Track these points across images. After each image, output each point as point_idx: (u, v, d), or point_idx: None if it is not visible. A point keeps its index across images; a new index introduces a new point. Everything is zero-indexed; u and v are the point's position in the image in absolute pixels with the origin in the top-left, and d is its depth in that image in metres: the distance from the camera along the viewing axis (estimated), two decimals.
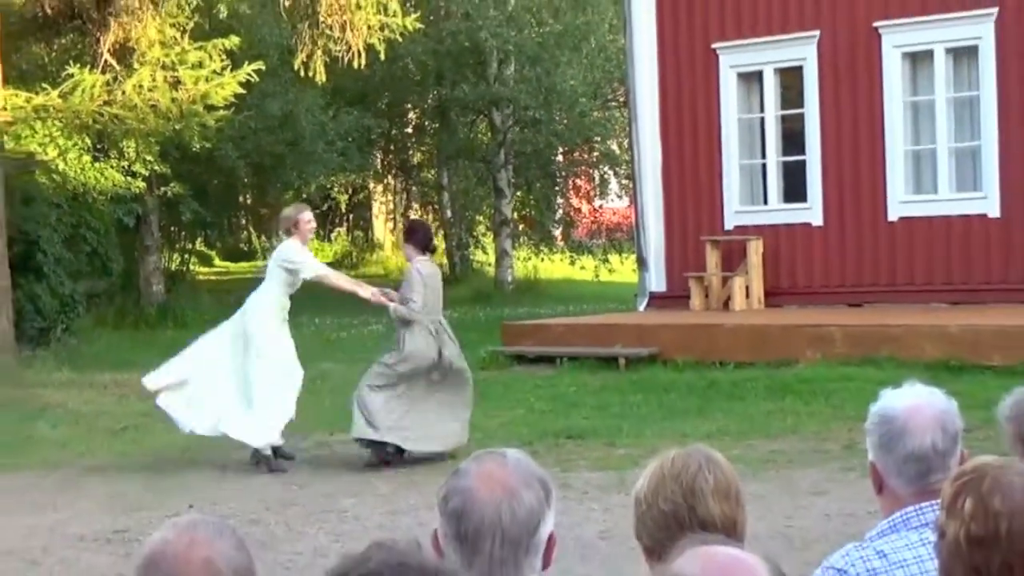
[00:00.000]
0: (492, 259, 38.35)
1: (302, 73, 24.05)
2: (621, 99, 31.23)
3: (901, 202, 19.93)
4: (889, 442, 3.92)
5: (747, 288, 20.65)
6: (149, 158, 27.56)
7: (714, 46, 21.38)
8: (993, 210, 19.18)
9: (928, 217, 19.69)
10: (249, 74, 22.69)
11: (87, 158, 27.07)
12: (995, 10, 18.93)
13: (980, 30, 19.13)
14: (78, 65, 23.25)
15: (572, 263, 39.23)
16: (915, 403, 3.96)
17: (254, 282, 41.12)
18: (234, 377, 13.74)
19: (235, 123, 25.21)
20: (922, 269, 19.73)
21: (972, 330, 16.91)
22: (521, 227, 39.45)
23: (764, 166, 21.35)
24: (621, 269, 36.13)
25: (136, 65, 23.11)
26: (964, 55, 19.50)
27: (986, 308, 18.43)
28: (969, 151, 19.57)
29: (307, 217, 14.40)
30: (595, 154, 40.17)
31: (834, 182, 20.43)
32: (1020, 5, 18.77)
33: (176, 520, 2.93)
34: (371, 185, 45.95)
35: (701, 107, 21.58)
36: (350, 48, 22.67)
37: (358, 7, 22.30)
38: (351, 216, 49.58)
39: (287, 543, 10.63)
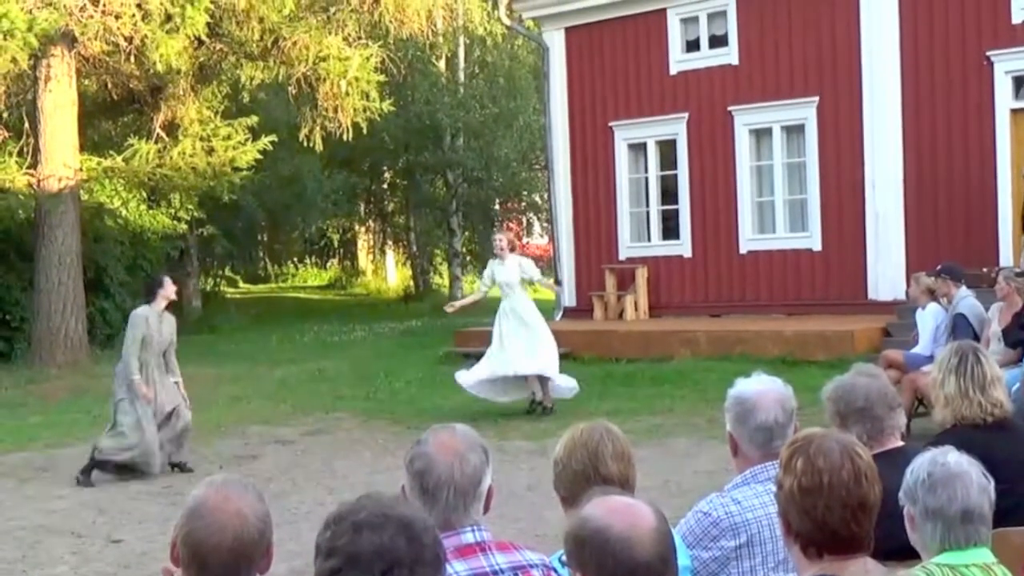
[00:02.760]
0: (447, 282, 38.29)
1: (305, 143, 23.95)
2: (542, 163, 31.25)
3: (749, 239, 20.03)
4: (743, 417, 3.93)
5: (636, 303, 20.69)
6: (190, 207, 27.38)
7: (610, 124, 21.45)
8: (816, 245, 19.31)
9: (769, 250, 19.80)
10: (265, 144, 22.60)
11: (143, 207, 26.88)
12: (816, 98, 19.08)
13: (806, 112, 19.27)
14: (137, 137, 23.09)
15: None
16: (762, 388, 3.97)
17: (270, 299, 40.64)
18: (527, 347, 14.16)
19: (255, 181, 25.05)
20: (765, 289, 19.84)
21: (801, 334, 17.00)
22: (468, 258, 39.41)
23: (648, 213, 21.42)
24: (542, 289, 36.14)
25: (181, 137, 22.94)
26: (794, 131, 19.63)
27: (811, 318, 18.53)
28: (799, 202, 19.69)
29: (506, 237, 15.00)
30: (523, 204, 40.25)
31: (699, 225, 20.52)
32: (835, 94, 18.92)
33: (211, 479, 2.92)
34: (356, 227, 45.73)
35: (601, 169, 21.63)
36: (341, 125, 22.57)
37: (347, 95, 22.21)
38: (341, 250, 49.31)
39: (293, 496, 10.56)
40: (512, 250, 14.66)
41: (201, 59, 23.01)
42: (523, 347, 14.05)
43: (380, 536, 2.36)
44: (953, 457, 3.33)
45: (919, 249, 17.90)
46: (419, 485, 3.19)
